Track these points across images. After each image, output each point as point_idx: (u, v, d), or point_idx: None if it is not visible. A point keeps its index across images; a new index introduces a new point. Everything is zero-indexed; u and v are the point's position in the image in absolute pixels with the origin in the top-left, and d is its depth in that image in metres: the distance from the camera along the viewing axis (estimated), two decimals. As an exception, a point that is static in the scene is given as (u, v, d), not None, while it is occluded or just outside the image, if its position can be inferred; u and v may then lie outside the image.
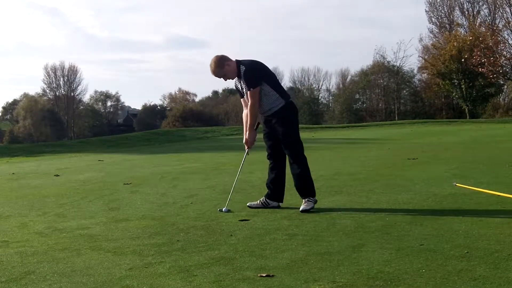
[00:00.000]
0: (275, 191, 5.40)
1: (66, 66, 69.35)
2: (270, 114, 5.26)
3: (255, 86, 5.14)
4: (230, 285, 3.01)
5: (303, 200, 5.20)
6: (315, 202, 5.21)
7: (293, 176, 5.28)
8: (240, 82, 5.30)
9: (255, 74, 5.21)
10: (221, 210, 5.26)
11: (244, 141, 5.45)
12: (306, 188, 5.21)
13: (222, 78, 5.31)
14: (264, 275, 3.13)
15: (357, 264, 3.28)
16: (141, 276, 3.25)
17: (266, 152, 5.48)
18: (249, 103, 5.21)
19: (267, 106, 5.23)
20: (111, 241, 4.25)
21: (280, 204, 5.42)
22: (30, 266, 3.61)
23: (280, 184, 5.41)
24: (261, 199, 5.46)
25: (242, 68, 5.21)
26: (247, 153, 5.55)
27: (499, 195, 5.26)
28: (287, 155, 5.31)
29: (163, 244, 4.07)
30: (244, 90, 5.28)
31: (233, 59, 5.30)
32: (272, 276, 3.12)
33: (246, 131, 5.41)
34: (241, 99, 5.47)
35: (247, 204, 5.47)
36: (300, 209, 5.10)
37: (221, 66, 5.21)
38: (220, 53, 5.29)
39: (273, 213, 5.14)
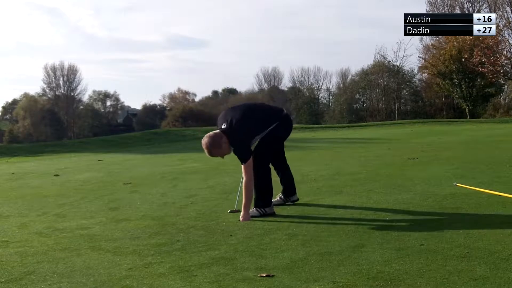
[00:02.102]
0: (288, 187, 5.48)
1: (66, 66, 69.13)
2: None
3: (247, 160, 4.84)
4: (230, 285, 3.01)
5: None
6: (263, 214, 4.96)
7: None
8: None
9: (243, 146, 4.91)
10: (231, 211, 5.23)
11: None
12: (259, 198, 5.02)
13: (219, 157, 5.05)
14: (264, 275, 3.13)
15: (357, 264, 3.27)
16: (141, 276, 3.25)
17: None
18: (243, 179, 4.89)
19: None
20: (111, 241, 4.25)
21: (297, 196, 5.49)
22: (30, 266, 3.60)
23: (289, 179, 5.48)
24: (279, 195, 5.51)
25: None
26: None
27: (499, 195, 5.25)
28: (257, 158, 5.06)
29: (163, 244, 4.07)
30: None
31: (218, 131, 4.99)
32: (272, 276, 3.12)
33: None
34: None
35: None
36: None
37: (219, 146, 4.92)
38: (207, 134, 4.98)
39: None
